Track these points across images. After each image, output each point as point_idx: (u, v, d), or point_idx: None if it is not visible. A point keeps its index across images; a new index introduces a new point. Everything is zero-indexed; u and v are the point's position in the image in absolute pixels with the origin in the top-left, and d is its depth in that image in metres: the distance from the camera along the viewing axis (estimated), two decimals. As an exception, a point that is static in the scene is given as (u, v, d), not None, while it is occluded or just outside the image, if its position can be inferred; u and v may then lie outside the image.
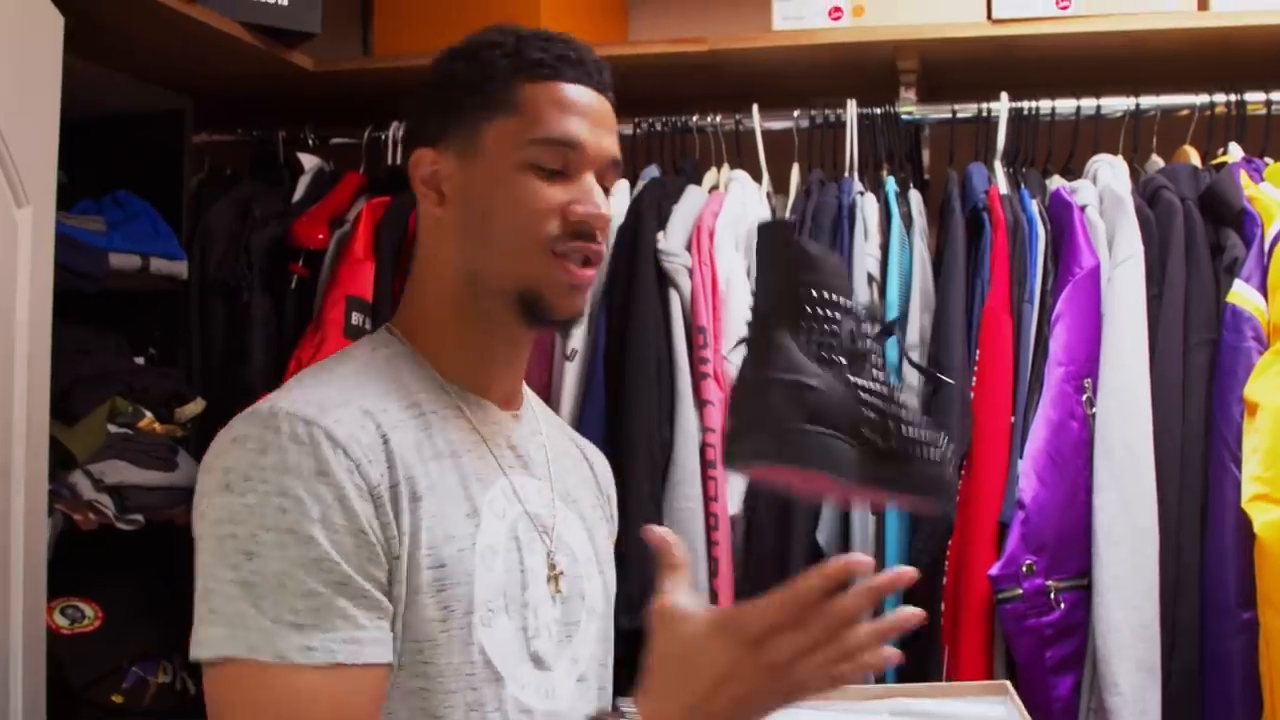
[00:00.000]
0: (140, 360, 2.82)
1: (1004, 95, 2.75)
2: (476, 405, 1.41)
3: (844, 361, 1.15)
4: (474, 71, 1.39)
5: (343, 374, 1.35)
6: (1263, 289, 2.34)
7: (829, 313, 1.16)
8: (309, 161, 3.05)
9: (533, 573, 1.38)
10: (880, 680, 2.16)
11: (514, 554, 1.36)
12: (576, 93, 1.38)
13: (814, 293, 1.16)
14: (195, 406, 2.73)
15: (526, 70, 1.37)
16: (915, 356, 2.53)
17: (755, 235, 2.58)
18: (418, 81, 1.46)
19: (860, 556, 1.14)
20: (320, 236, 2.86)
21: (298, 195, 2.99)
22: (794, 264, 1.17)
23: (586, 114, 1.38)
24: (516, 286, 1.36)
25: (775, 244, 1.19)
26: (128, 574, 2.61)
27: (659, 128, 2.92)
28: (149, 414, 2.61)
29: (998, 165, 2.73)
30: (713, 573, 2.48)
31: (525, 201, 1.35)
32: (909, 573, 1.15)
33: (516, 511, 1.39)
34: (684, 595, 1.21)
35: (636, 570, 2.42)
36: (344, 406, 1.27)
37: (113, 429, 2.54)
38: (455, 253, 1.39)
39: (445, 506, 1.30)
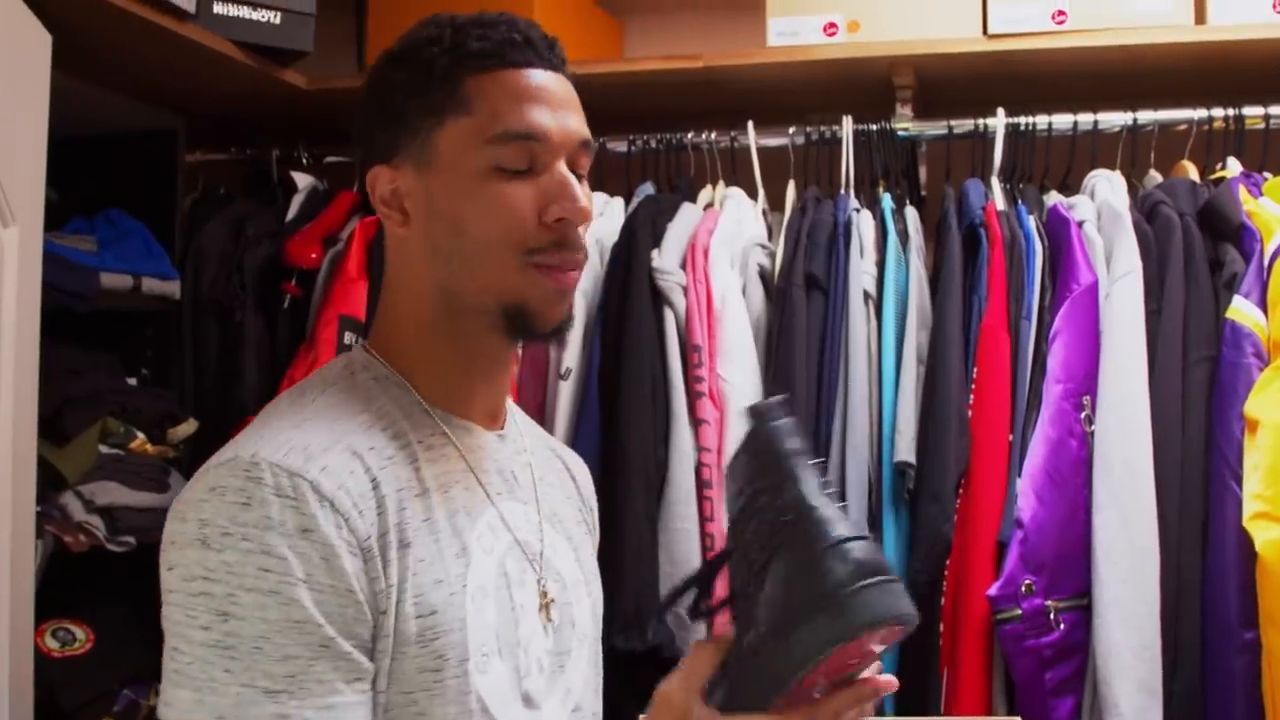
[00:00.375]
0: (132, 380, 2.81)
1: (1000, 111, 2.74)
2: (462, 429, 1.33)
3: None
4: (414, 74, 1.29)
5: (324, 406, 1.27)
6: (1262, 305, 2.32)
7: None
8: (302, 180, 3.03)
9: (523, 608, 1.31)
10: (880, 710, 2.14)
11: (504, 591, 1.29)
12: (529, 77, 1.27)
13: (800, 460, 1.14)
14: (188, 427, 2.71)
15: (469, 62, 1.26)
16: (914, 376, 2.51)
17: (749, 254, 2.60)
18: (357, 97, 1.37)
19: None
20: (313, 255, 2.85)
21: (291, 214, 2.98)
22: (783, 439, 1.14)
23: (545, 98, 1.27)
24: (499, 302, 1.27)
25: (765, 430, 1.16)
26: (119, 596, 2.59)
27: (654, 144, 2.91)
28: (141, 435, 2.60)
29: (995, 181, 2.71)
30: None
31: (496, 209, 1.25)
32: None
33: (505, 543, 1.31)
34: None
35: (632, 590, 2.43)
36: (330, 451, 1.19)
37: (104, 450, 2.52)
38: (427, 272, 1.30)
39: (434, 549, 1.23)
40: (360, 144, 1.35)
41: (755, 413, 1.17)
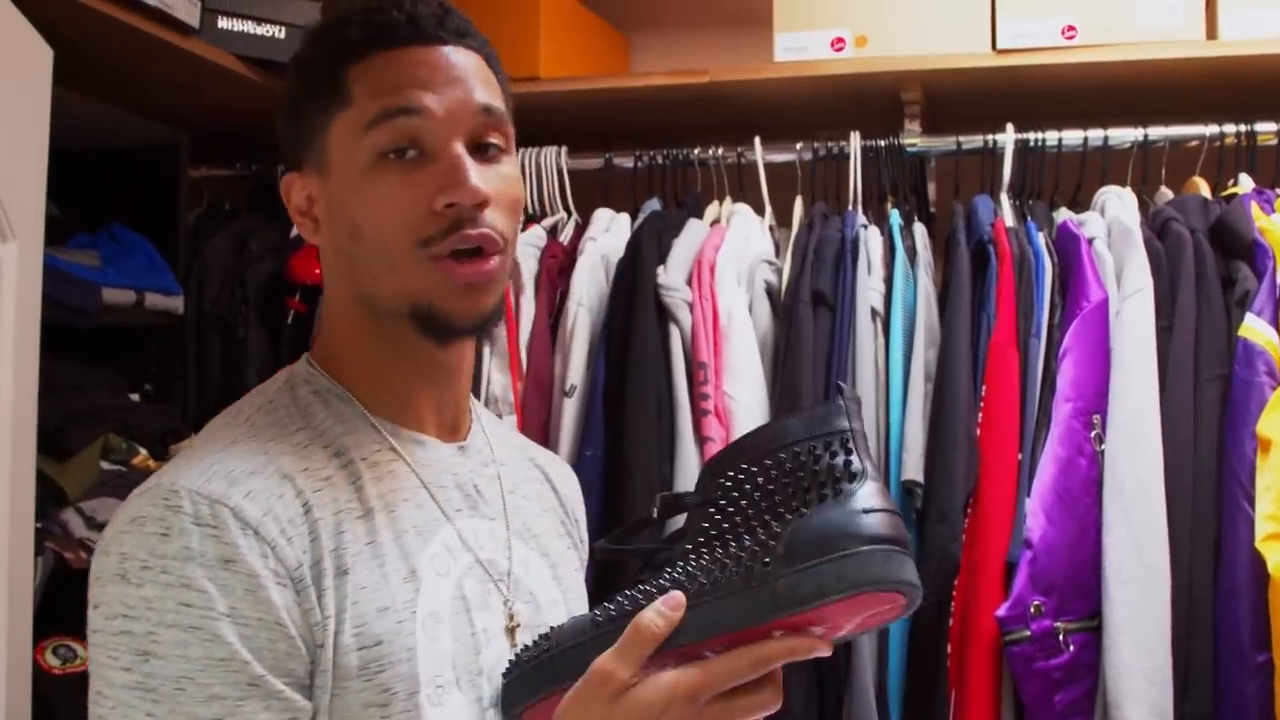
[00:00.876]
0: (135, 396, 2.80)
1: (1009, 126, 2.72)
2: (413, 443, 1.25)
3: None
4: (302, 74, 1.23)
5: (258, 425, 1.20)
6: (1275, 322, 2.31)
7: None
8: (307, 195, 3.02)
9: (486, 633, 1.22)
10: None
11: (462, 615, 1.20)
12: (410, 54, 1.19)
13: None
14: (190, 443, 2.69)
15: (347, 52, 1.19)
16: (921, 394, 2.50)
17: (755, 271, 2.58)
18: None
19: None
20: (317, 271, 2.82)
21: (295, 230, 2.96)
22: (855, 418, 1.12)
23: (426, 73, 1.18)
24: (406, 304, 1.18)
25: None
26: (120, 614, 2.58)
27: (660, 160, 2.90)
28: (143, 451, 2.59)
29: (1004, 197, 2.69)
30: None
31: (383, 205, 1.16)
32: None
33: (465, 563, 1.23)
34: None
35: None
36: (257, 474, 1.12)
37: (105, 466, 2.51)
38: (344, 280, 1.23)
39: (378, 574, 1.15)
40: (281, 155, 1.29)
41: (840, 390, 1.13)
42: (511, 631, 1.25)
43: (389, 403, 1.25)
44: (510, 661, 1.15)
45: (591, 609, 1.16)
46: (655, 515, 1.21)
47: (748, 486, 1.10)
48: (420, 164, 1.17)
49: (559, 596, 1.34)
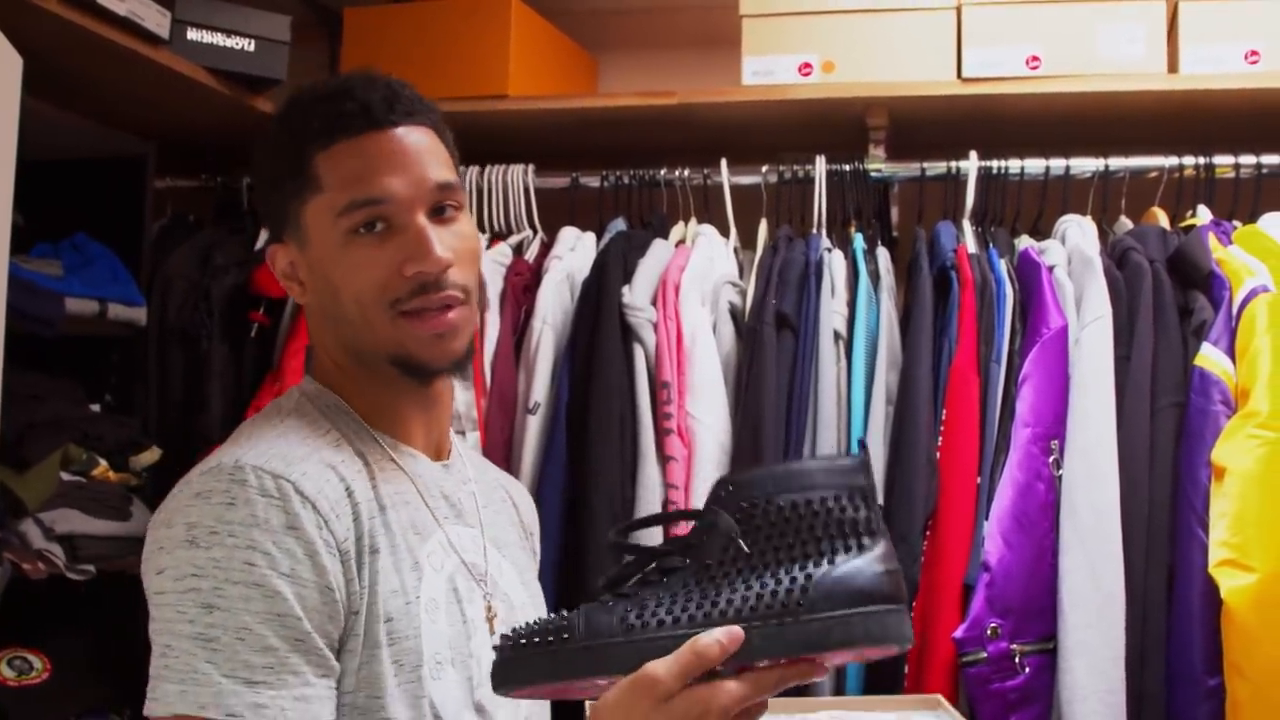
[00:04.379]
0: (96, 407, 2.77)
1: (973, 154, 2.75)
2: (409, 456, 1.41)
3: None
4: (276, 159, 1.38)
5: (293, 425, 1.35)
6: (1231, 352, 2.33)
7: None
8: (273, 209, 3.01)
9: (474, 623, 1.37)
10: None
11: (455, 606, 1.35)
12: (369, 143, 1.34)
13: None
14: (151, 455, 2.68)
15: (312, 141, 1.34)
16: (883, 416, 2.51)
17: (720, 292, 2.60)
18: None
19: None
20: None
21: (260, 243, 2.95)
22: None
23: (384, 162, 1.33)
24: (387, 354, 1.35)
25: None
26: (78, 625, 2.56)
27: (627, 180, 2.91)
28: (103, 462, 2.57)
29: (966, 224, 2.72)
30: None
31: (357, 275, 1.33)
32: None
33: (454, 563, 1.38)
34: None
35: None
36: (307, 460, 1.28)
37: (65, 477, 2.49)
38: (330, 331, 1.39)
39: (392, 559, 1.30)
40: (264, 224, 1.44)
41: (863, 446, 1.22)
42: (491, 622, 1.40)
43: (387, 423, 1.41)
44: (507, 638, 1.18)
45: (585, 603, 1.19)
46: (663, 520, 1.31)
47: (772, 519, 1.16)
48: (388, 235, 1.33)
49: (527, 599, 1.49)
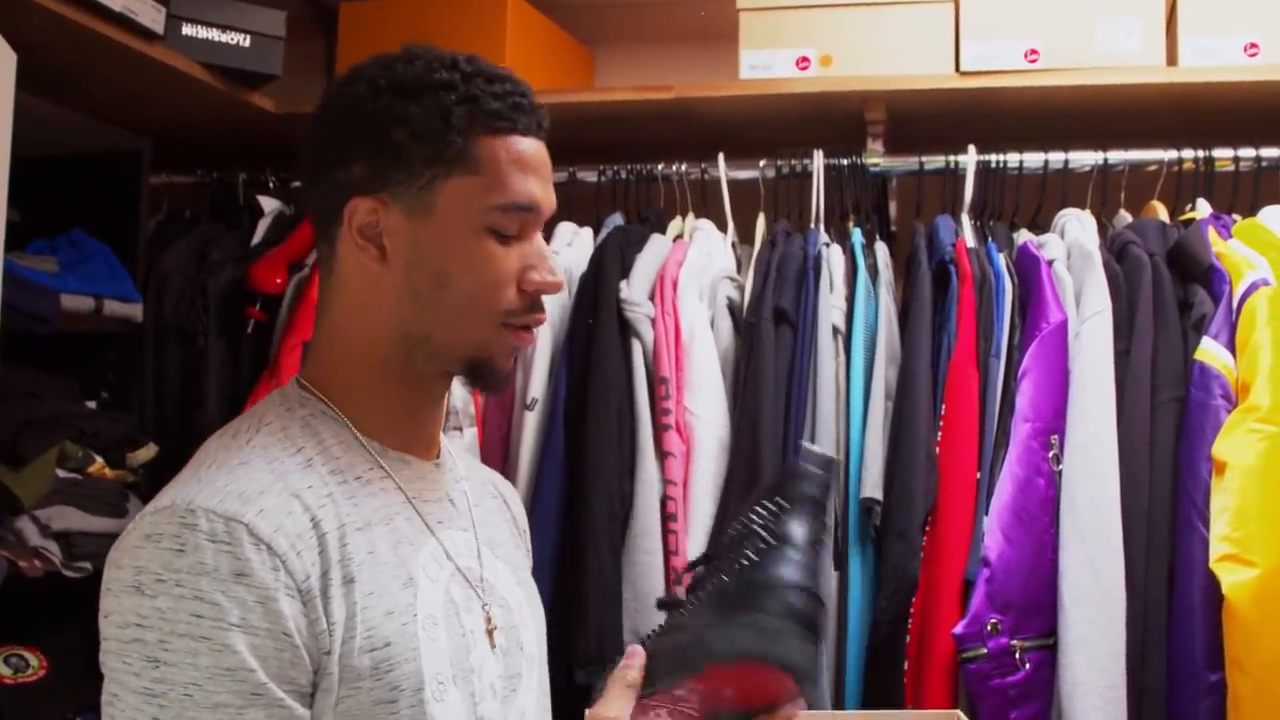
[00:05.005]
0: (92, 404, 2.77)
1: (971, 148, 2.74)
2: (399, 462, 1.35)
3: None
4: (426, 118, 1.28)
5: (261, 446, 1.27)
6: (1231, 346, 2.33)
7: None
8: (269, 204, 3.01)
9: (473, 634, 1.32)
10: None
11: (453, 618, 1.30)
12: (530, 147, 1.31)
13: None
14: (147, 452, 2.68)
15: (484, 122, 1.28)
16: (881, 411, 2.51)
17: (718, 287, 2.60)
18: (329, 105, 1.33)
19: None
20: (278, 281, 2.82)
21: (257, 238, 2.95)
22: (811, 485, 1.23)
23: (541, 171, 1.32)
24: (466, 354, 1.31)
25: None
26: (74, 622, 2.54)
27: (624, 175, 2.90)
28: (99, 459, 2.56)
29: (965, 218, 2.71)
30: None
31: (483, 270, 1.29)
32: None
33: (449, 571, 1.33)
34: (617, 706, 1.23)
35: (594, 624, 2.41)
36: (267, 493, 1.20)
37: (61, 474, 2.49)
38: (392, 314, 1.31)
39: (381, 580, 1.24)
40: (327, 161, 1.32)
41: (805, 454, 1.23)
42: (490, 634, 1.35)
43: (382, 427, 1.34)
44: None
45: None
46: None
47: (731, 532, 1.19)
48: (514, 242, 1.31)
49: (524, 600, 1.45)
